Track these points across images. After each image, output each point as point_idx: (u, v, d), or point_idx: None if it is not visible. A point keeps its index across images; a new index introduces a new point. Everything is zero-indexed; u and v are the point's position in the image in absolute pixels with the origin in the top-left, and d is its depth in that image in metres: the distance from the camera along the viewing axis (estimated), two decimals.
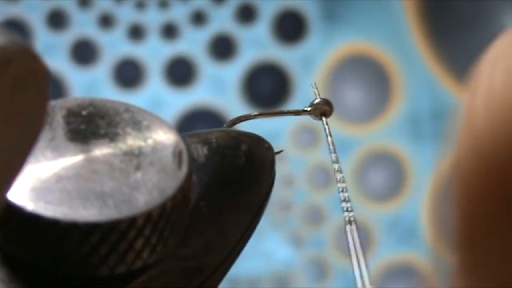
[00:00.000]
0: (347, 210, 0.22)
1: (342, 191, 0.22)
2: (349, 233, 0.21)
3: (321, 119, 0.26)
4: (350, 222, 0.21)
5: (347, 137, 1.04)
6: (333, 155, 0.24)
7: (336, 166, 0.24)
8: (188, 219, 0.21)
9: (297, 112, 0.27)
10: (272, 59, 1.07)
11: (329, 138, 0.25)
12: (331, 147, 0.24)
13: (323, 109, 0.26)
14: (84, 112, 0.21)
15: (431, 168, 1.04)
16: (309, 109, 0.26)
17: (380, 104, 1.06)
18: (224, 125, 0.26)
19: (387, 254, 1.03)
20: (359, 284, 0.19)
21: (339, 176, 0.23)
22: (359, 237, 0.21)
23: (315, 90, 0.27)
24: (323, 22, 1.07)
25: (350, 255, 0.20)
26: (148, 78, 1.08)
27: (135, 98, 1.06)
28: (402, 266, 1.03)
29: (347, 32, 1.06)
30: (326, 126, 0.25)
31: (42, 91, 0.16)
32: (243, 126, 0.26)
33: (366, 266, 0.20)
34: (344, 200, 0.22)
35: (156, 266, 0.20)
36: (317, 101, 0.26)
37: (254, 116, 0.27)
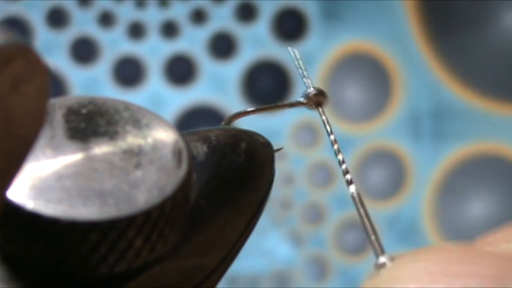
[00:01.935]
0: (351, 183, 0.22)
1: (344, 170, 0.22)
2: (358, 203, 0.21)
3: (316, 108, 0.26)
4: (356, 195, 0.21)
5: (347, 135, 1.04)
6: (335, 146, 0.24)
7: (340, 156, 0.24)
8: (188, 217, 0.21)
9: (292, 104, 0.27)
10: (272, 57, 1.07)
11: (329, 128, 0.25)
12: (332, 138, 0.24)
13: (317, 99, 0.26)
14: (84, 111, 0.21)
15: (431, 166, 1.04)
16: (303, 100, 0.26)
17: (380, 103, 1.06)
18: (222, 123, 0.26)
19: (387, 252, 1.03)
20: (377, 251, 0.19)
21: (344, 166, 0.23)
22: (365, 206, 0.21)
23: (307, 80, 0.27)
24: (323, 21, 1.07)
25: (363, 224, 0.20)
26: (148, 76, 1.08)
27: (135, 96, 1.06)
28: None
29: (347, 30, 1.06)
30: (323, 116, 0.25)
31: (42, 90, 0.16)
32: (242, 124, 0.26)
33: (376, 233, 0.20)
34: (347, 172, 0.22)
35: (156, 264, 0.20)
36: (310, 90, 0.26)
37: (251, 112, 0.26)
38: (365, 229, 0.20)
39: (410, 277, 0.16)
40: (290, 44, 1.07)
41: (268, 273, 1.04)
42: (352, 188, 0.21)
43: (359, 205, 0.21)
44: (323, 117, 0.25)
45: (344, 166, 0.23)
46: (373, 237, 0.20)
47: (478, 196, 1.04)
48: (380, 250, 0.19)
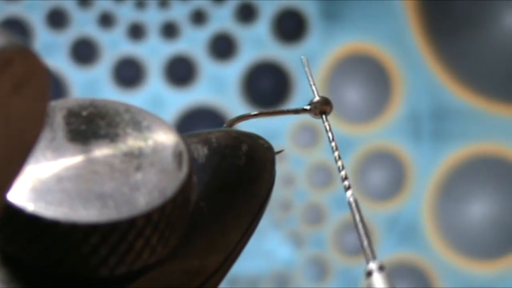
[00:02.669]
0: (349, 188, 0.22)
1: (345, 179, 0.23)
2: (354, 209, 0.21)
3: (321, 117, 0.26)
4: (353, 201, 0.22)
5: (347, 136, 1.04)
6: (336, 153, 0.24)
7: (339, 163, 0.24)
8: (188, 220, 0.21)
9: (296, 111, 0.27)
10: (272, 58, 1.07)
11: (330, 136, 0.25)
12: (333, 144, 0.24)
13: (322, 108, 0.26)
14: (84, 113, 0.21)
15: (431, 167, 1.04)
16: (308, 107, 0.26)
17: (380, 103, 1.06)
18: (224, 125, 0.26)
19: (387, 253, 1.03)
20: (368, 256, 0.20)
21: (343, 173, 0.23)
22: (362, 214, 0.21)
23: (314, 88, 0.27)
24: (323, 21, 1.07)
25: (357, 229, 0.21)
26: (148, 77, 1.08)
27: (135, 98, 1.06)
28: (402, 265, 1.03)
29: (347, 31, 1.06)
30: (326, 124, 0.25)
31: (42, 92, 0.16)
32: (242, 126, 0.26)
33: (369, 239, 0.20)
34: (348, 188, 0.22)
35: (157, 266, 0.20)
36: (316, 99, 0.26)
37: (254, 116, 0.26)
38: (358, 235, 0.20)
39: None
40: (290, 46, 1.07)
41: (269, 274, 1.04)
42: (350, 194, 0.22)
43: (356, 212, 0.21)
44: (327, 126, 0.25)
45: (343, 172, 0.23)
46: (365, 243, 0.20)
47: (478, 197, 1.04)
48: (372, 256, 0.19)
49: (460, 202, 1.04)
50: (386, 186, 1.05)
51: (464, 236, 1.03)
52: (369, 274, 0.18)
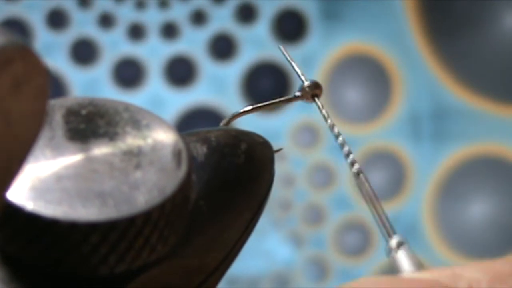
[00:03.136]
0: (353, 164, 0.22)
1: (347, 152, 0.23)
2: (361, 183, 0.21)
3: (313, 101, 0.26)
4: (358, 174, 0.22)
5: (347, 136, 1.03)
6: (336, 130, 0.24)
7: (340, 139, 0.24)
8: (188, 218, 0.21)
9: (289, 99, 0.27)
10: (272, 58, 1.07)
11: (326, 114, 0.25)
12: (330, 123, 0.24)
13: (313, 91, 0.26)
14: (83, 111, 0.21)
15: (431, 167, 1.04)
16: (299, 94, 0.26)
17: (380, 104, 1.06)
18: (221, 123, 0.26)
19: None
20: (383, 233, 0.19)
21: (346, 148, 0.23)
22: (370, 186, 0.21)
23: (300, 74, 0.27)
24: (323, 22, 1.07)
25: (368, 205, 0.20)
26: (148, 77, 1.08)
27: (135, 98, 1.06)
28: None
29: (347, 31, 1.06)
30: (320, 106, 0.26)
31: (42, 91, 0.16)
32: (242, 125, 0.26)
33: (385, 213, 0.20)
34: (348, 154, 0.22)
35: (156, 265, 0.20)
36: (306, 84, 0.26)
37: (248, 111, 0.26)
38: (373, 213, 0.20)
39: None
40: (290, 46, 1.07)
41: (268, 274, 1.04)
42: (355, 168, 0.22)
43: (363, 184, 0.21)
44: (320, 106, 0.26)
45: (346, 148, 0.23)
46: (383, 219, 0.20)
47: (478, 197, 1.04)
48: (391, 232, 0.19)
49: (460, 202, 1.04)
50: (386, 186, 1.05)
51: (464, 236, 1.03)
52: (391, 251, 0.18)
